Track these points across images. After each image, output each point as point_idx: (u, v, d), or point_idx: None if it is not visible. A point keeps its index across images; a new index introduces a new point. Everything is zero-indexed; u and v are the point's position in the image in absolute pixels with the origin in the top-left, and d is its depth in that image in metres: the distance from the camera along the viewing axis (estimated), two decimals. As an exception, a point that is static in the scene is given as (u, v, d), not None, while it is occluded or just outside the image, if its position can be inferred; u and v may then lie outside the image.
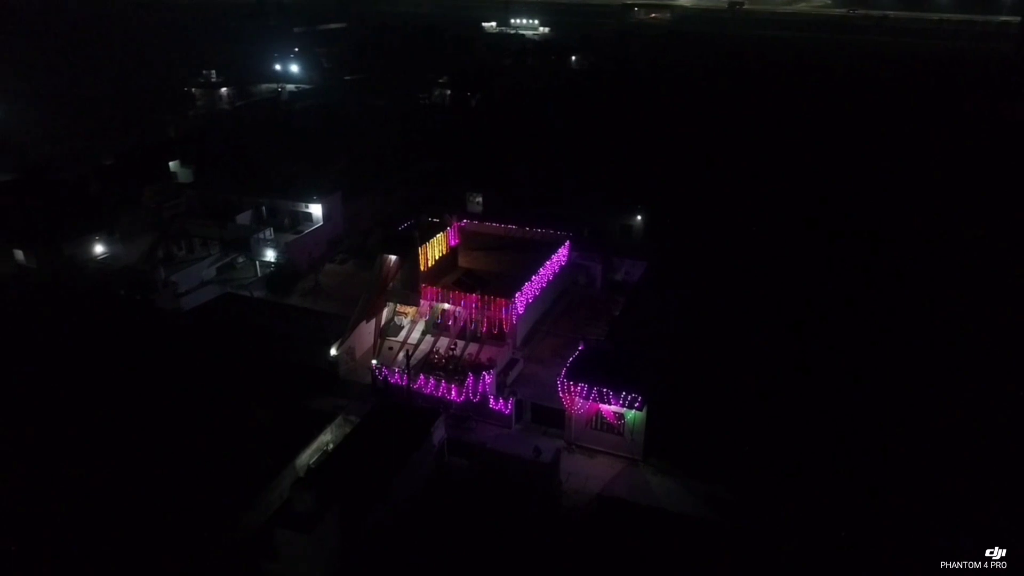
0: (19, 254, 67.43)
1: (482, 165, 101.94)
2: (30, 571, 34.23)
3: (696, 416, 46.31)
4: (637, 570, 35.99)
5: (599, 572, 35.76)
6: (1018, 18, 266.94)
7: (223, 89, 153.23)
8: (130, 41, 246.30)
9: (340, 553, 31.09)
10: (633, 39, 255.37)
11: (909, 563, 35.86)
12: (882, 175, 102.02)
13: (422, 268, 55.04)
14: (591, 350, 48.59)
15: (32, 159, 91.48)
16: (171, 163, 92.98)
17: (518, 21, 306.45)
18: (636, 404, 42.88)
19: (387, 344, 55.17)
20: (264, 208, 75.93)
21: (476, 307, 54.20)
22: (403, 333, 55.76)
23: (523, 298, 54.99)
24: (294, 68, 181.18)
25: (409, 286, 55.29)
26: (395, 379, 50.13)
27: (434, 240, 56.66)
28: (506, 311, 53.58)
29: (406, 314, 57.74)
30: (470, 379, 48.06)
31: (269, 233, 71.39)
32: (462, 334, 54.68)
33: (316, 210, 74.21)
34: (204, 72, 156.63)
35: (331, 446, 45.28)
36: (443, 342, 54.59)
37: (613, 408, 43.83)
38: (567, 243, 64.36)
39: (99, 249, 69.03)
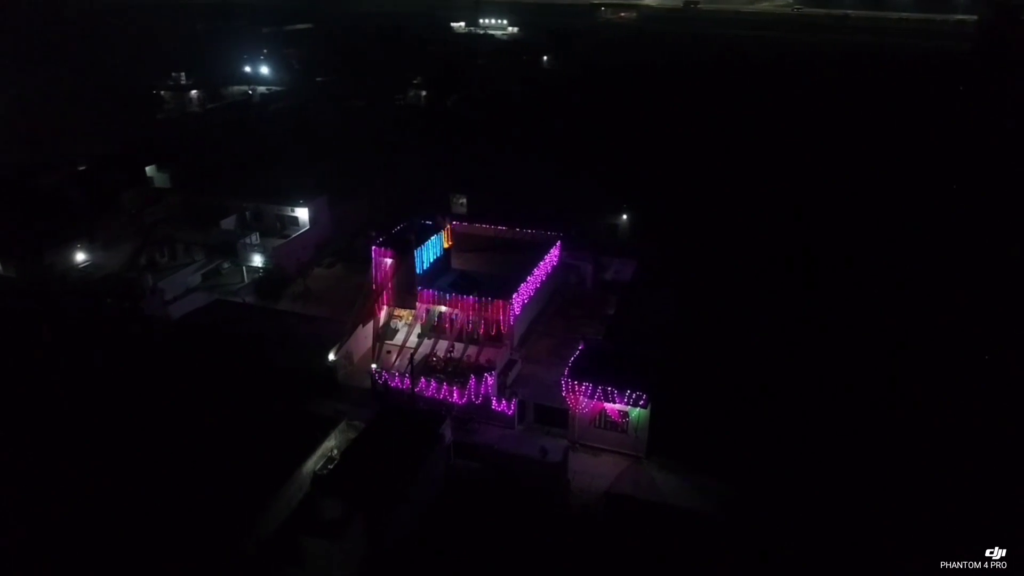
0: (-4, 264, 65.78)
1: (463, 166, 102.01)
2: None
3: (699, 412, 46.98)
4: (649, 565, 36.48)
5: (612, 568, 36.17)
6: (972, 17, 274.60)
7: (193, 91, 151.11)
8: (93, 44, 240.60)
9: (365, 558, 31.01)
10: (602, 38, 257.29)
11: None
12: (863, 170, 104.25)
13: (418, 271, 54.94)
14: (592, 349, 49.03)
15: (5, 164, 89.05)
16: (148, 168, 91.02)
17: (487, 21, 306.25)
18: (641, 402, 43.42)
19: (385, 348, 54.93)
20: (248, 213, 74.93)
21: (474, 309, 54.24)
22: (401, 336, 55.56)
23: (520, 299, 55.18)
24: (264, 70, 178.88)
25: (406, 289, 55.14)
26: (395, 383, 50.00)
27: (428, 242, 56.57)
28: (504, 312, 53.71)
29: (401, 317, 57.55)
30: (472, 381, 48.13)
31: (255, 238, 70.53)
32: (460, 336, 54.69)
33: (303, 214, 73.50)
34: (173, 74, 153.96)
35: (336, 451, 45.11)
36: (441, 345, 54.54)
37: (618, 406, 44.30)
38: (558, 243, 64.72)
39: (80, 257, 67.45)
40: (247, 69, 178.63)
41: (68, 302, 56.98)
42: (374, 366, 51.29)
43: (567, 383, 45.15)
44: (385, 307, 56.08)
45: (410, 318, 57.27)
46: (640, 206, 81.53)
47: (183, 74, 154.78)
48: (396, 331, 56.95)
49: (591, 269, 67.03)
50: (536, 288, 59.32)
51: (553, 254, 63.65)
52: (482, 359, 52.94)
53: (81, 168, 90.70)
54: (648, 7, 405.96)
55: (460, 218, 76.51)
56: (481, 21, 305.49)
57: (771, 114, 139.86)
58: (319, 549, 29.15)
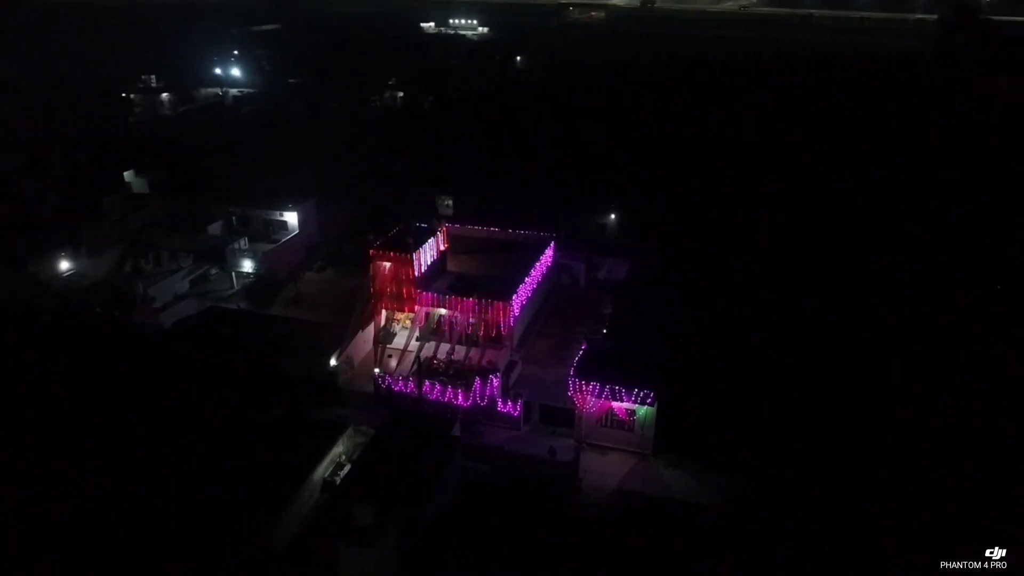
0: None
1: (446, 168, 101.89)
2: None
3: (703, 409, 47.64)
4: (664, 561, 36.96)
5: (628, 564, 36.57)
6: (932, 16, 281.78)
7: (164, 94, 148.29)
8: (54, 45, 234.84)
9: (396, 563, 31.00)
10: (573, 38, 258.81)
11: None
12: (855, 167, 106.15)
13: (416, 274, 54.86)
14: (595, 349, 49.46)
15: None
16: (125, 173, 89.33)
17: (457, 21, 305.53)
18: (648, 400, 43.97)
19: (386, 352, 54.77)
20: (235, 217, 73.96)
21: (473, 311, 54.34)
22: (402, 340, 55.44)
23: (519, 300, 55.44)
24: (235, 71, 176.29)
25: (405, 292, 55.01)
26: (399, 387, 49.90)
27: (426, 245, 56.50)
28: (504, 314, 53.90)
29: (399, 320, 57.42)
30: (477, 383, 48.25)
31: (244, 243, 69.68)
32: (461, 339, 54.75)
33: (291, 218, 72.78)
34: (143, 77, 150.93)
35: (344, 457, 44.95)
36: (442, 347, 54.57)
37: (625, 405, 44.79)
38: (552, 243, 65.07)
39: (65, 265, 65.98)
40: (218, 71, 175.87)
41: (57, 312, 55.67)
42: (377, 370, 51.10)
43: (574, 383, 45.52)
44: (385, 311, 55.88)
45: (408, 322, 57.23)
46: (627, 205, 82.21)
47: (153, 77, 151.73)
48: (394, 335, 56.85)
49: (584, 269, 67.58)
50: (533, 289, 59.64)
51: (547, 255, 64.02)
52: (483, 361, 53.12)
53: (57, 174, 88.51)
54: (616, 7, 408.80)
55: (447, 220, 76.51)
56: (451, 21, 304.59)
57: (749, 112, 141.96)
58: (354, 556, 29.06)
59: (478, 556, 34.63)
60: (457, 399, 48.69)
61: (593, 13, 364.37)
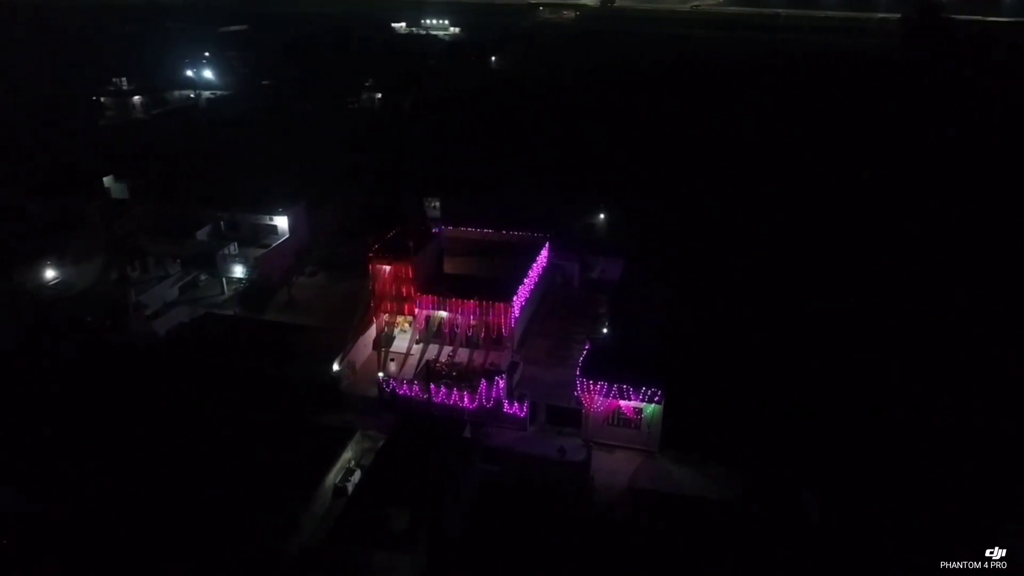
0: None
1: (431, 169, 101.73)
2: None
3: (709, 405, 48.30)
4: (682, 555, 37.46)
5: (646, 560, 36.98)
6: (895, 15, 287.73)
7: (136, 97, 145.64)
8: (13, 47, 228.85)
9: (428, 566, 31.04)
10: (545, 38, 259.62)
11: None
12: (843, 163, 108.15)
13: (415, 277, 54.78)
14: (599, 349, 49.88)
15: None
16: (105, 178, 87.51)
17: (428, 21, 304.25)
18: (656, 398, 44.50)
19: (389, 356, 54.60)
20: (223, 222, 72.97)
21: (475, 313, 54.44)
22: (404, 344, 55.32)
23: (519, 301, 55.68)
24: (208, 73, 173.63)
25: (405, 295, 54.92)
26: (403, 390, 49.79)
27: (425, 247, 56.43)
28: (505, 315, 54.08)
29: (397, 324, 57.26)
30: (483, 385, 48.36)
31: (234, 248, 68.83)
32: (464, 341, 54.81)
33: (281, 222, 72.01)
34: (114, 80, 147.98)
35: (353, 463, 44.76)
36: (445, 350, 54.60)
37: (633, 403, 45.28)
38: (546, 244, 65.38)
39: (51, 274, 64.49)
40: (189, 73, 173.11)
41: (48, 322, 54.50)
42: (381, 375, 50.92)
43: (582, 383, 45.88)
44: (386, 315, 55.70)
45: (406, 325, 57.13)
46: (615, 204, 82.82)
47: (124, 79, 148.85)
48: (394, 338, 56.68)
49: (578, 269, 67.97)
50: (531, 290, 59.92)
51: (543, 255, 64.33)
52: (486, 363, 53.25)
53: (35, 181, 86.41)
54: (587, 6, 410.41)
55: (435, 222, 76.34)
56: (423, 21, 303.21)
57: (728, 110, 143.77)
58: (389, 561, 29.04)
59: (501, 557, 34.75)
60: (463, 401, 48.76)
61: (566, 12, 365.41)
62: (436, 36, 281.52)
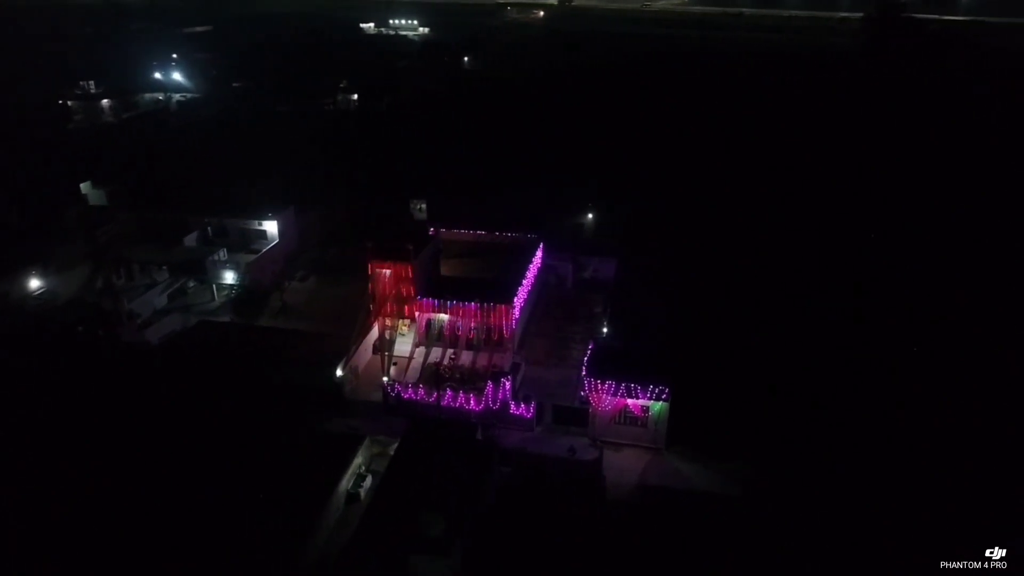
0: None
1: (414, 170, 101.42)
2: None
3: (713, 402, 49.09)
4: (695, 549, 38.08)
5: (660, 555, 37.51)
6: (857, 14, 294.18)
7: (104, 100, 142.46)
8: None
9: (462, 569, 31.17)
10: (513, 38, 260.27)
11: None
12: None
13: (416, 280, 54.72)
14: (603, 348, 50.37)
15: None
16: (82, 185, 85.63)
17: (397, 21, 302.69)
18: (664, 395, 45.13)
19: (392, 360, 54.43)
20: (210, 228, 72.00)
21: (476, 315, 54.55)
22: (406, 347, 55.21)
23: (519, 302, 55.95)
24: (177, 76, 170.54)
25: (406, 298, 54.83)
26: (408, 394, 49.70)
27: (423, 250, 56.41)
28: (506, 316, 54.28)
29: (395, 327, 57.06)
30: (490, 387, 48.50)
31: (224, 254, 67.95)
32: (468, 344, 54.91)
33: (271, 227, 71.31)
34: (81, 83, 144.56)
35: (364, 468, 44.64)
36: (447, 353, 54.65)
37: (641, 401, 45.84)
38: (540, 245, 65.71)
39: (35, 284, 62.95)
40: (157, 75, 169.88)
41: (40, 333, 53.26)
42: (386, 379, 50.78)
43: (589, 382, 46.31)
44: (387, 318, 55.51)
45: (405, 328, 57.01)
46: (603, 203, 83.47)
47: (92, 82, 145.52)
48: (393, 342, 56.49)
49: (571, 269, 68.43)
50: (528, 291, 60.23)
51: (538, 256, 64.68)
52: (488, 364, 53.41)
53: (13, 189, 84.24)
54: (554, 6, 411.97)
55: (422, 224, 76.06)
56: (391, 21, 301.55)
57: (706, 108, 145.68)
58: (427, 566, 29.07)
59: (524, 557, 34.93)
60: (469, 404, 48.85)
61: (535, 12, 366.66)
62: (405, 36, 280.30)
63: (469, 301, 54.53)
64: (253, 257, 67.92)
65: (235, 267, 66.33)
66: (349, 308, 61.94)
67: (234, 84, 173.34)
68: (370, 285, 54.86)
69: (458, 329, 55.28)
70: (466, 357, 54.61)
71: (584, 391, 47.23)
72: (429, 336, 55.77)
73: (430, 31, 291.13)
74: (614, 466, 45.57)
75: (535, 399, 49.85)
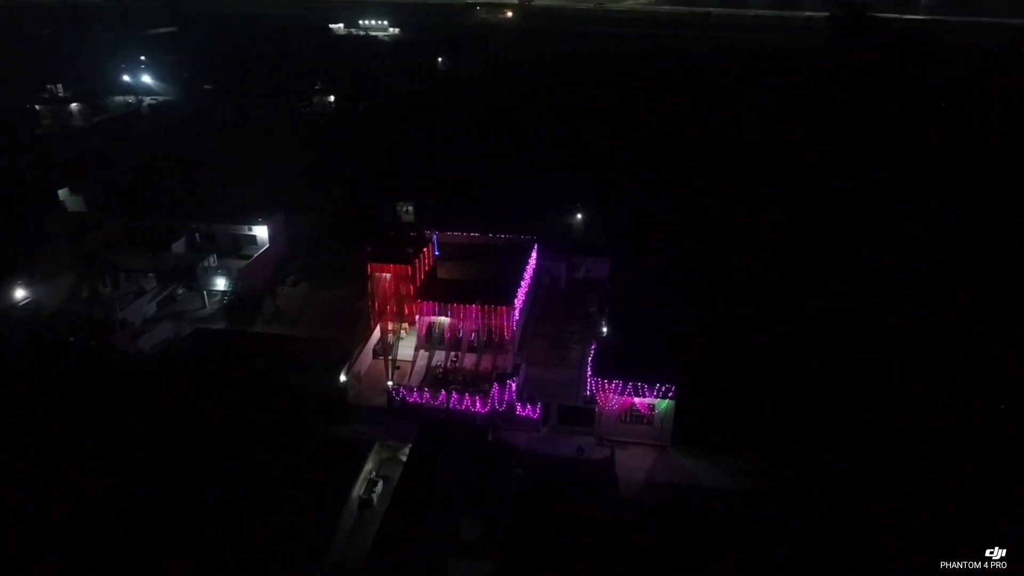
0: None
1: (399, 172, 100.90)
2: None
3: (716, 399, 49.79)
4: (707, 543, 38.65)
5: (674, 550, 38.04)
6: (821, 13, 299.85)
7: (73, 104, 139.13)
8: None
9: (495, 572, 31.24)
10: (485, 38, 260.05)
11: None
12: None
13: (416, 283, 54.62)
14: (607, 348, 50.82)
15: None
16: (60, 191, 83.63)
17: (367, 22, 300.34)
18: (670, 394, 45.71)
19: (395, 364, 54.24)
20: (199, 234, 70.91)
21: (476, 317, 54.59)
22: (408, 351, 55.04)
23: (519, 304, 56.14)
24: (147, 78, 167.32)
25: (406, 302, 54.67)
26: (413, 398, 49.60)
27: (423, 254, 56.32)
28: (507, 318, 54.40)
29: (394, 331, 56.89)
30: (495, 388, 48.65)
31: (213, 260, 67.02)
32: (469, 346, 54.93)
33: (261, 232, 70.47)
34: (49, 86, 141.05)
35: (374, 474, 44.48)
36: (450, 356, 54.63)
37: (647, 400, 46.38)
38: (535, 246, 65.93)
39: (20, 294, 61.41)
40: (126, 78, 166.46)
41: (31, 344, 52.03)
42: (390, 383, 50.61)
43: (596, 382, 46.74)
44: (389, 322, 55.28)
45: (404, 332, 56.85)
46: (591, 204, 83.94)
47: (59, 86, 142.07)
48: (395, 346, 56.29)
49: (565, 269, 68.79)
50: (526, 292, 60.44)
51: (533, 257, 64.91)
52: (491, 366, 53.51)
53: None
54: (515, 6, 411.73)
55: (409, 227, 75.66)
56: (361, 22, 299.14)
57: (679, 108, 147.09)
58: (466, 570, 29.12)
59: (552, 558, 35.08)
60: (475, 406, 48.94)
61: (506, 12, 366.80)
62: (376, 37, 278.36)
63: (470, 303, 54.57)
64: (244, 263, 67.05)
65: (226, 273, 65.41)
66: (342, 312, 61.86)
67: (206, 87, 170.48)
68: (370, 288, 54.56)
69: (459, 332, 55.25)
70: (468, 359, 54.64)
71: (589, 390, 47.66)
72: (431, 339, 55.66)
73: (400, 31, 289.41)
74: (622, 464, 46.02)
75: (540, 400, 50.17)
